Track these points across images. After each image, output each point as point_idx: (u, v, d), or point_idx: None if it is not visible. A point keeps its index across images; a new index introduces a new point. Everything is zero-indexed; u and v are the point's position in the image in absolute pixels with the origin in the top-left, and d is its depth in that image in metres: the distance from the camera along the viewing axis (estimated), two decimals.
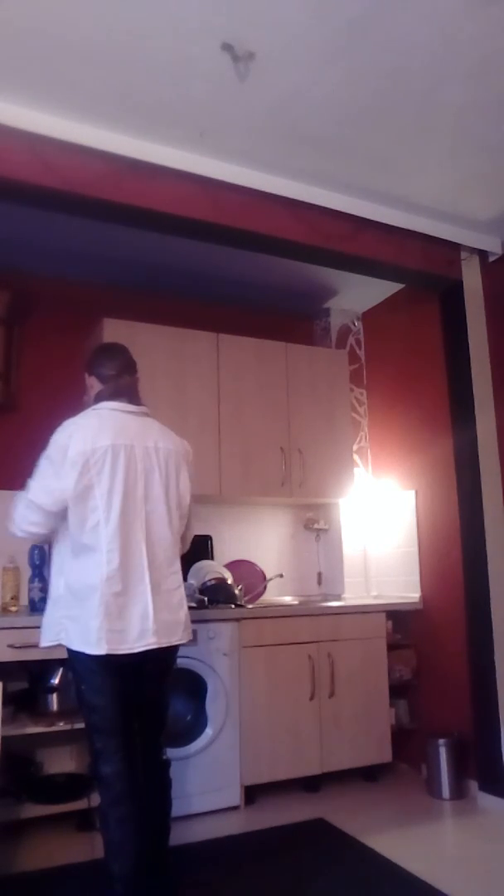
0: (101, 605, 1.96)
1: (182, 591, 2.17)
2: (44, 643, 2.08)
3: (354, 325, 4.27)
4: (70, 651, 2.04)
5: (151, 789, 2.16)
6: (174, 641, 2.11)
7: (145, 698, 2.18)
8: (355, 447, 4.06)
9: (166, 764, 2.24)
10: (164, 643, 2.06)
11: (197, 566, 3.46)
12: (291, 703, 3.18)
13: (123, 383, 2.20)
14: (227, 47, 2.12)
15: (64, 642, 2.03)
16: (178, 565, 2.17)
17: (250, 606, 3.33)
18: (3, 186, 2.47)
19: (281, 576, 3.83)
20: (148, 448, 2.12)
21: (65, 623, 2.03)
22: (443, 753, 3.15)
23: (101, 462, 2.02)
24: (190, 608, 3.12)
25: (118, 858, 1.95)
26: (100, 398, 2.18)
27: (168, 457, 2.17)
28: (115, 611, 1.98)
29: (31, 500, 2.06)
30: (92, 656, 1.97)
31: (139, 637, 2.01)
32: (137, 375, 2.27)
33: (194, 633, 2.98)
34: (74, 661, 2.04)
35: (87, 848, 2.52)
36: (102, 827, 1.98)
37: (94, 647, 1.95)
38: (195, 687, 2.99)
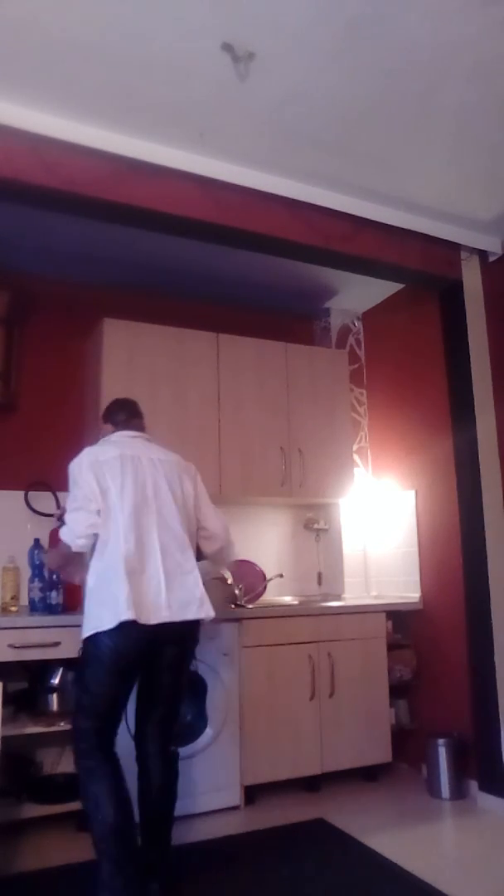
0: (125, 580, 2.12)
1: (196, 575, 2.30)
2: (84, 634, 2.18)
3: (354, 325, 4.27)
4: (89, 638, 2.15)
5: (157, 779, 2.26)
6: (189, 616, 2.22)
7: (160, 687, 2.29)
8: (355, 447, 4.06)
9: (174, 755, 2.34)
10: (178, 618, 2.19)
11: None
12: (291, 703, 3.18)
13: (132, 423, 2.54)
14: (227, 47, 2.13)
15: (98, 629, 2.12)
16: (190, 554, 2.33)
17: (250, 606, 3.33)
18: (4, 186, 2.47)
19: (281, 576, 3.83)
20: (152, 459, 2.39)
21: (98, 611, 2.14)
22: (443, 753, 3.15)
23: (112, 467, 2.28)
24: None
25: (95, 817, 2.06)
26: (110, 433, 2.52)
27: (171, 466, 2.43)
28: (136, 585, 2.15)
29: (72, 504, 2.26)
30: (112, 634, 2.09)
31: (154, 611, 2.16)
32: (144, 422, 2.60)
33: None
34: (92, 646, 2.15)
35: (87, 848, 2.49)
36: (81, 791, 2.13)
37: (125, 612, 2.08)
38: (195, 687, 2.99)
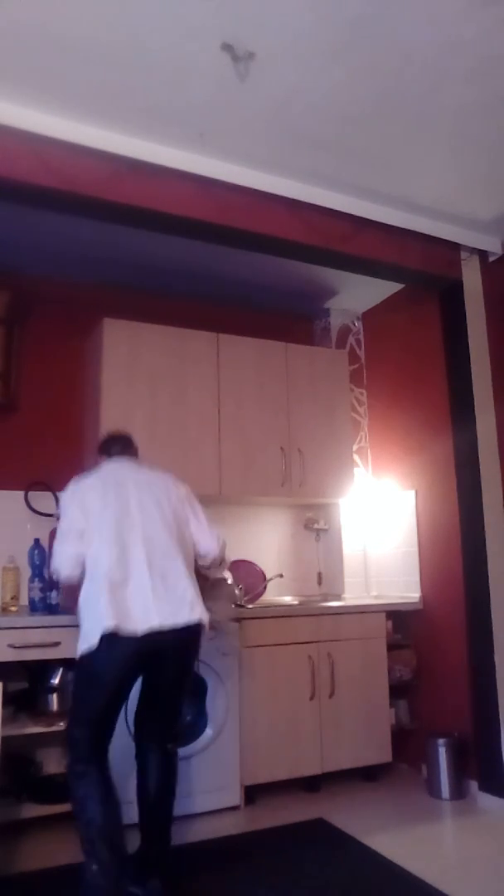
0: (107, 592, 2.13)
1: (187, 581, 2.26)
2: (77, 653, 2.18)
3: (354, 325, 4.27)
4: (80, 655, 2.16)
5: (156, 777, 2.28)
6: (180, 621, 2.19)
7: (160, 689, 2.31)
8: (355, 447, 4.06)
9: (173, 754, 2.35)
10: (169, 623, 2.17)
11: None
12: (291, 703, 3.18)
13: (125, 453, 2.56)
14: (227, 47, 2.12)
15: (88, 648, 2.13)
16: (180, 562, 2.28)
17: (250, 606, 3.33)
18: (4, 186, 2.47)
19: (281, 576, 3.83)
20: (138, 480, 2.41)
21: (87, 627, 2.15)
22: (443, 753, 3.15)
23: (95, 489, 2.32)
24: None
25: (82, 819, 2.09)
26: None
27: (158, 485, 2.43)
28: (119, 596, 2.14)
29: (59, 540, 2.28)
30: (100, 649, 2.08)
31: (142, 620, 2.14)
32: (137, 451, 2.62)
33: None
34: (84, 662, 2.15)
35: None
36: (70, 793, 2.16)
37: (106, 623, 2.07)
38: (195, 687, 2.99)
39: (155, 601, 2.17)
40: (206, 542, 2.47)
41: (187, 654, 2.33)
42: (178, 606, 2.21)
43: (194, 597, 2.25)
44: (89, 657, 2.12)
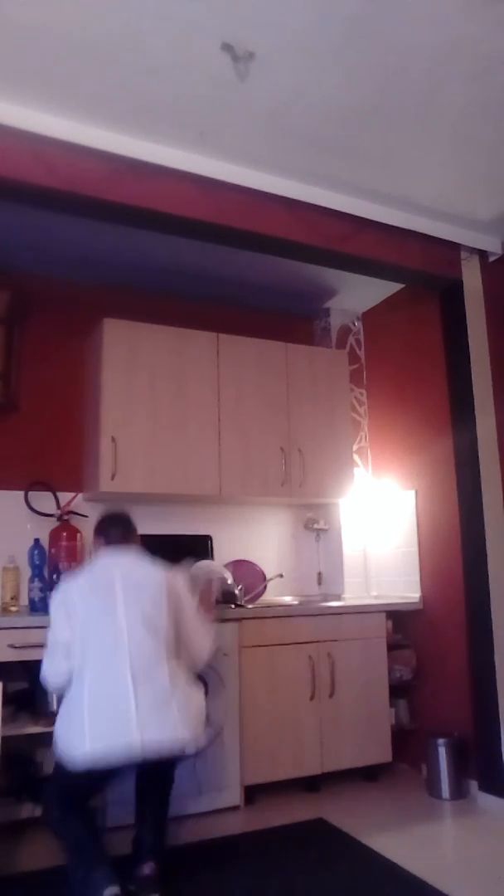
0: (89, 713, 2.08)
1: (176, 704, 2.15)
2: (56, 753, 2.17)
3: (354, 325, 4.27)
4: (60, 755, 2.14)
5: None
6: (163, 751, 2.09)
7: (145, 776, 2.34)
8: (355, 447, 4.06)
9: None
10: (151, 750, 2.07)
11: (197, 566, 3.46)
12: (291, 703, 3.18)
13: (123, 541, 2.46)
14: (227, 47, 2.12)
15: (68, 756, 2.11)
16: (166, 672, 2.19)
17: (250, 606, 3.33)
18: (4, 186, 2.47)
19: (281, 576, 3.83)
20: (128, 584, 2.29)
21: (66, 736, 2.13)
22: (443, 753, 3.15)
23: (84, 597, 2.27)
24: None
25: (59, 833, 2.16)
26: (101, 548, 2.48)
27: (150, 589, 2.30)
28: (99, 716, 2.08)
29: (47, 653, 2.27)
30: (80, 760, 2.05)
31: (123, 743, 2.05)
32: (138, 536, 2.55)
33: None
34: (63, 761, 2.13)
35: None
36: (44, 815, 2.24)
37: (87, 748, 2.04)
38: None
39: (137, 723, 2.06)
40: (198, 643, 2.41)
41: (170, 764, 2.31)
42: (162, 728, 2.10)
43: (178, 718, 2.13)
44: (71, 762, 2.08)
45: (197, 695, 2.29)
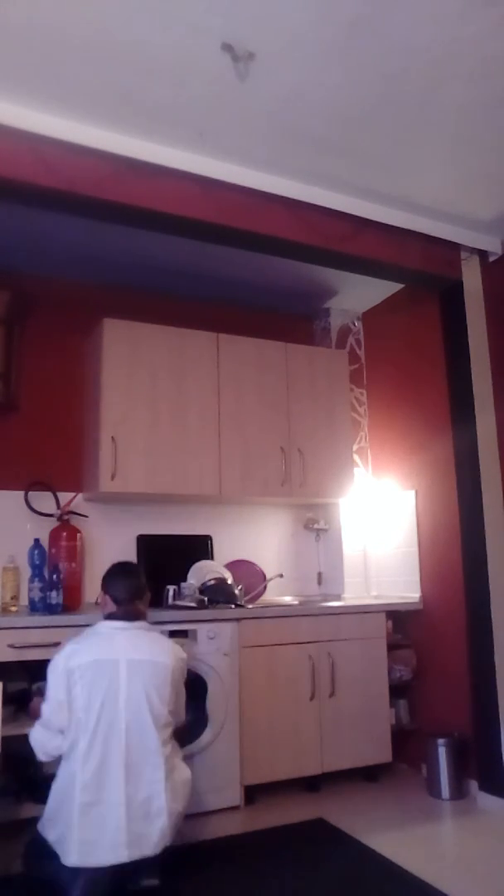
0: (76, 815, 2.05)
1: (163, 799, 2.13)
2: (41, 831, 2.19)
3: (354, 325, 4.27)
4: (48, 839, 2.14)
5: None
6: (146, 853, 2.08)
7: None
8: (355, 447, 4.06)
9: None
10: (136, 856, 2.06)
11: (197, 566, 3.46)
12: (291, 703, 3.18)
13: (132, 609, 2.38)
14: (227, 47, 2.12)
15: (54, 846, 2.11)
16: (161, 773, 2.15)
17: (250, 606, 3.33)
18: (4, 186, 2.47)
19: (281, 576, 3.83)
20: (132, 661, 2.22)
21: (53, 824, 2.14)
22: (443, 753, 3.15)
23: (83, 675, 2.17)
24: (190, 608, 3.15)
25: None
26: (106, 617, 2.40)
27: (154, 670, 2.24)
28: (88, 821, 2.05)
29: (42, 722, 2.25)
30: (66, 861, 2.04)
31: (110, 849, 2.04)
32: (148, 596, 2.48)
33: (194, 633, 3.01)
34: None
35: None
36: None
37: (66, 856, 2.03)
38: (195, 687, 2.99)
39: (128, 830, 2.05)
40: (181, 716, 2.41)
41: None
42: (146, 839, 2.08)
43: (165, 827, 2.11)
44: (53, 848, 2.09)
45: (184, 773, 2.28)
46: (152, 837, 2.09)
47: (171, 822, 2.13)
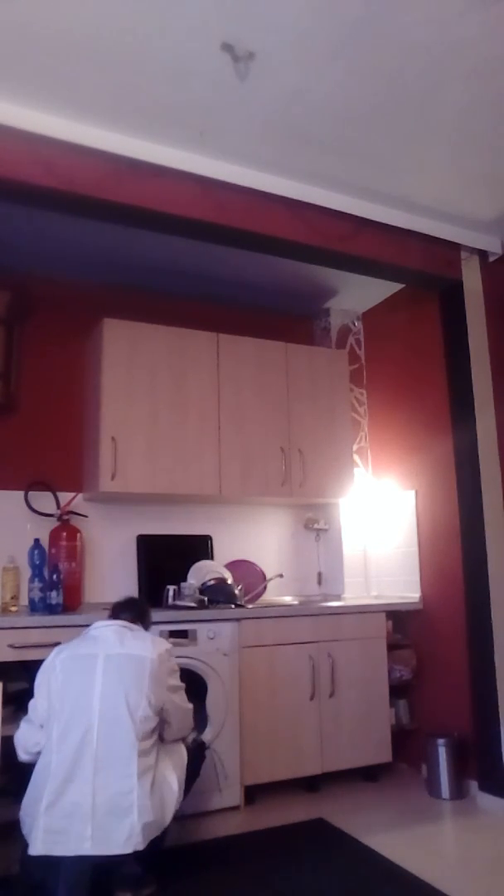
0: (44, 804, 2.04)
1: (135, 796, 2.05)
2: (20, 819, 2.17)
3: (354, 325, 4.27)
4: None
5: None
6: (113, 850, 1.99)
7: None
8: (355, 447, 4.06)
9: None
10: (102, 851, 1.98)
11: (197, 566, 3.46)
12: (291, 703, 3.18)
13: (120, 615, 2.43)
14: (227, 47, 2.12)
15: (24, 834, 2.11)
16: (134, 767, 2.08)
17: (250, 606, 3.33)
18: (3, 186, 2.47)
19: (281, 576, 3.83)
20: (110, 655, 2.22)
21: (25, 807, 2.15)
22: (443, 753, 3.15)
23: (65, 668, 2.21)
24: (190, 608, 3.15)
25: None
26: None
27: (134, 666, 2.21)
28: (55, 811, 2.03)
29: (26, 718, 2.27)
30: (32, 852, 2.03)
31: (75, 841, 1.99)
32: (149, 617, 2.55)
33: (194, 633, 3.01)
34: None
35: None
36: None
37: (32, 845, 2.02)
38: (195, 687, 2.99)
39: (93, 824, 1.99)
40: (178, 721, 2.33)
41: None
42: (116, 833, 2.00)
43: (137, 823, 2.01)
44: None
45: (171, 775, 2.20)
46: (120, 835, 1.99)
47: (142, 822, 2.01)
